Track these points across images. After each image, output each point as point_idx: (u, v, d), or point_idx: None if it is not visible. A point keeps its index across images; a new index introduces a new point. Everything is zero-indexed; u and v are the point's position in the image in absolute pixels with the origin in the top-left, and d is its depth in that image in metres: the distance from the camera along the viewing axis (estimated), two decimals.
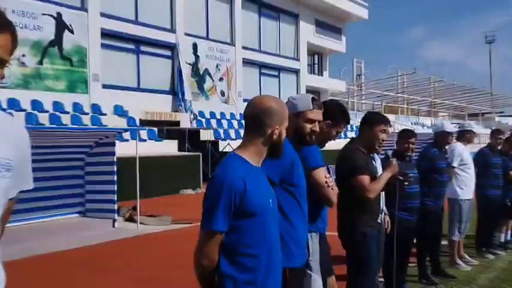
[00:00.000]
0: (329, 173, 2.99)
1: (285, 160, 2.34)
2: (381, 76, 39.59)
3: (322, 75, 31.47)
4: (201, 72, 20.83)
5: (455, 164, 5.75)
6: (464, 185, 5.81)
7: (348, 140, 3.91)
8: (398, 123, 40.10)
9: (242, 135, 2.15)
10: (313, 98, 2.75)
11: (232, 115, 22.00)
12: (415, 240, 5.19)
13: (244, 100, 23.20)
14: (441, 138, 5.38)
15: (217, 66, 21.67)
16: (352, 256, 3.52)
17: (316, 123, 2.71)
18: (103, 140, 8.85)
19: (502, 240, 6.84)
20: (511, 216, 6.91)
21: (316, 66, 31.98)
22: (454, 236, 5.83)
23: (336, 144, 3.71)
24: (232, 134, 19.62)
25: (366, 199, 3.45)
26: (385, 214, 4.17)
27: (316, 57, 31.77)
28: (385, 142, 3.71)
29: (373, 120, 3.66)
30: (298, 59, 27.34)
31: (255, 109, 2.04)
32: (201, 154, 15.80)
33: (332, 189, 2.81)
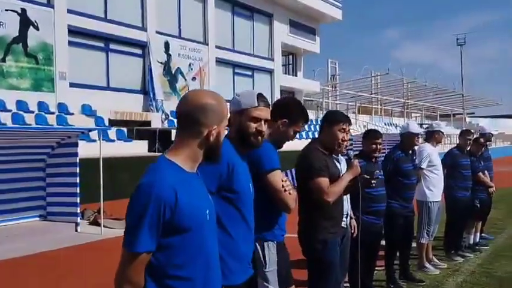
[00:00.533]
0: (286, 175, 2.81)
1: (222, 164, 2.13)
2: (355, 77, 39.74)
3: (296, 75, 31.43)
4: (173, 72, 20.48)
5: (423, 166, 5.65)
6: (433, 187, 5.72)
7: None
8: (371, 123, 40.47)
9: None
10: (259, 94, 2.51)
11: None
12: (384, 243, 5.08)
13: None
14: (407, 139, 5.26)
15: (190, 65, 21.35)
16: (312, 264, 3.34)
17: (263, 122, 2.44)
18: (65, 140, 8.50)
19: (471, 242, 6.80)
20: (479, 217, 6.87)
21: (290, 66, 31.94)
22: (423, 239, 5.73)
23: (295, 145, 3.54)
24: None
25: (325, 203, 3.26)
26: (351, 218, 4.03)
27: (290, 57, 31.72)
28: (356, 143, 3.57)
29: (332, 119, 3.47)
30: (272, 59, 27.22)
31: (189, 106, 1.78)
32: None
33: (290, 193, 2.62)
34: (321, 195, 3.23)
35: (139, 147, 15.77)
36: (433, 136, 5.87)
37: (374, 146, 4.47)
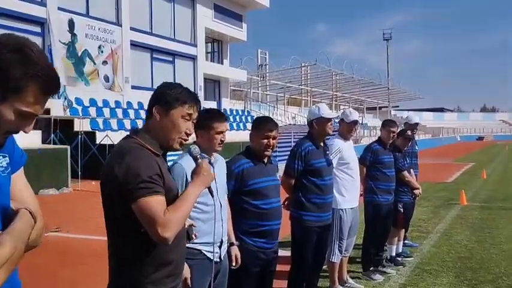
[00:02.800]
0: None
1: None
2: (284, 67, 38.90)
3: (222, 63, 29.97)
4: (80, 54, 18.31)
5: (333, 164, 4.46)
6: (346, 190, 4.54)
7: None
8: (300, 115, 39.96)
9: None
10: None
11: (118, 103, 19.74)
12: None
13: (133, 87, 21.03)
14: (319, 126, 4.01)
15: (99, 47, 19.24)
16: None
17: None
18: None
19: (393, 253, 5.73)
20: (403, 225, 5.83)
21: (216, 54, 30.42)
22: (333, 257, 4.55)
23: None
24: (114, 125, 17.42)
25: (159, 241, 1.87)
26: (231, 245, 2.84)
27: (216, 44, 30.20)
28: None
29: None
30: (195, 45, 25.56)
31: None
32: (69, 147, 13.55)
33: None
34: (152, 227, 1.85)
35: (31, 139, 13.64)
36: (343, 127, 4.68)
37: (266, 140, 3.24)
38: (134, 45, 21.23)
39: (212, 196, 2.26)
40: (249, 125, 27.93)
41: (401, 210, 5.61)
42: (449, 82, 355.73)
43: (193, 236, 2.22)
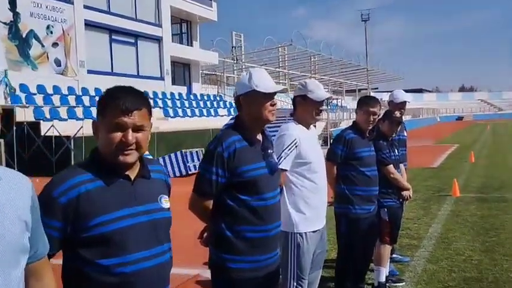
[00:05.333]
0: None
1: None
2: (259, 48, 37.09)
3: (192, 45, 28.08)
4: (24, 35, 16.34)
5: (284, 165, 2.91)
6: (306, 206, 2.99)
7: None
8: (278, 99, 38.34)
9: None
10: None
11: (71, 89, 17.84)
12: None
13: (89, 71, 19.11)
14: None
15: (48, 27, 17.28)
16: None
17: None
18: None
19: (383, 279, 4.17)
20: (390, 239, 4.26)
21: (185, 35, 28.50)
22: None
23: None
24: (64, 113, 15.56)
25: None
26: None
27: (184, 25, 28.26)
28: None
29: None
30: (160, 25, 23.64)
31: None
32: (2, 141, 11.75)
33: None
34: None
35: None
36: (299, 107, 3.11)
37: None
38: (89, 25, 19.29)
39: None
40: (221, 111, 26.25)
41: (386, 218, 4.07)
42: (428, 63, 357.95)
43: None
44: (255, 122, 2.38)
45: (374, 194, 3.70)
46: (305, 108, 3.12)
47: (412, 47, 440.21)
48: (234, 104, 2.54)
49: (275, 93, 2.38)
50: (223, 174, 2.26)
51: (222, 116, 23.67)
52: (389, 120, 4.15)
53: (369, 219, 3.68)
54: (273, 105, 2.36)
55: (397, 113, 4.48)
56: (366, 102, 3.75)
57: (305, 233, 3.00)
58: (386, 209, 4.04)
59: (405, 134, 4.90)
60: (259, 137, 2.43)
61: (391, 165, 4.05)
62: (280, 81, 45.07)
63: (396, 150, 4.22)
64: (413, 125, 45.79)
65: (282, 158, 2.92)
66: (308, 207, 3.01)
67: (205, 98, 26.58)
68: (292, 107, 3.31)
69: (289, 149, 2.97)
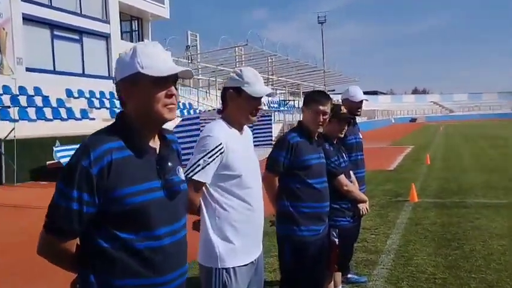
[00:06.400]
0: None
1: None
2: (214, 48, 36.21)
3: None
4: None
5: (202, 178, 2.20)
6: (234, 232, 2.27)
7: None
8: None
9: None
10: None
11: (6, 88, 16.43)
12: None
13: (28, 69, 17.75)
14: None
15: None
16: None
17: None
18: None
19: None
20: (332, 265, 3.52)
21: (135, 33, 27.34)
22: None
23: None
24: None
25: None
26: None
27: (135, 22, 27.11)
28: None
29: None
30: (107, 22, 22.43)
31: None
32: None
33: None
34: None
35: None
36: (230, 104, 2.40)
37: None
38: (28, 19, 17.95)
39: None
40: None
41: (336, 240, 3.39)
42: (382, 66, 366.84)
43: None
44: (144, 121, 1.62)
45: (324, 211, 3.01)
46: (239, 105, 2.39)
47: (367, 50, 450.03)
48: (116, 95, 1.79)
49: (175, 79, 1.64)
50: (90, 200, 1.49)
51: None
52: (337, 118, 3.46)
53: (319, 243, 2.99)
54: (170, 95, 1.61)
55: (344, 109, 3.86)
56: (314, 99, 3.06)
57: (233, 268, 2.27)
58: (336, 230, 3.36)
59: (361, 136, 4.27)
60: (154, 143, 1.68)
61: (342, 175, 3.38)
62: None
63: (344, 155, 3.56)
64: (369, 126, 46.28)
65: (199, 167, 2.19)
66: (237, 235, 2.28)
67: None
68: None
69: (211, 157, 2.24)
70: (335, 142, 3.52)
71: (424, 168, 13.42)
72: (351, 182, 3.54)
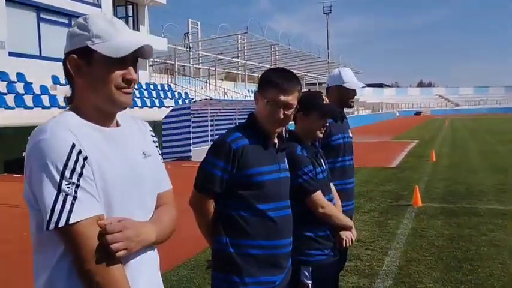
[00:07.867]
0: None
1: None
2: (213, 36, 35.03)
3: (138, 30, 25.86)
4: None
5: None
6: None
7: None
8: (235, 91, 36.50)
9: None
10: None
11: None
12: None
13: (11, 54, 16.73)
14: None
15: None
16: None
17: None
18: None
19: None
20: None
21: (131, 19, 26.24)
22: None
23: None
24: None
25: None
26: None
27: (130, 7, 26.03)
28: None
29: None
30: (99, 5, 21.38)
31: None
32: None
33: None
34: None
35: None
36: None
37: None
38: (12, 1, 16.89)
39: None
40: (168, 102, 24.22)
41: (309, 283, 2.39)
42: (388, 58, 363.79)
43: None
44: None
45: (283, 252, 2.00)
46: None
47: (372, 41, 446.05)
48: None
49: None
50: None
51: (168, 107, 21.71)
52: (318, 111, 2.46)
53: None
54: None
55: (351, 103, 2.89)
56: (273, 83, 2.04)
57: None
58: (310, 268, 2.37)
59: (351, 135, 3.27)
60: None
61: (319, 191, 2.38)
62: (239, 72, 43.30)
63: (323, 162, 2.56)
64: (374, 119, 45.29)
65: None
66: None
67: (152, 87, 24.50)
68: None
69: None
70: (311, 144, 2.52)
71: (428, 166, 12.39)
72: (332, 199, 2.54)
